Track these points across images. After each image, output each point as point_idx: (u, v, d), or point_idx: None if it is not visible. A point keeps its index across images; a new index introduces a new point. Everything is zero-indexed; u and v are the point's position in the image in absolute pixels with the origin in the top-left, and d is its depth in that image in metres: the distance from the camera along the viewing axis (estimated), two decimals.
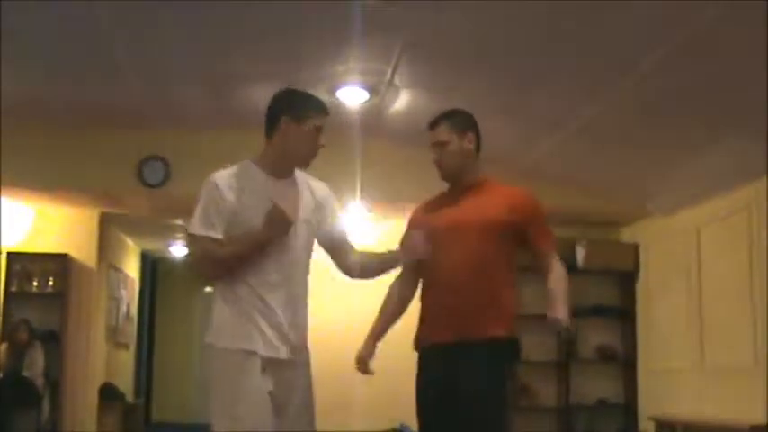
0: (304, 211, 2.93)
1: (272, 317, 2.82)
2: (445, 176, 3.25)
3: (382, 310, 3.30)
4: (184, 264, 11.48)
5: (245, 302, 2.81)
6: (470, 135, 3.21)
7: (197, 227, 2.84)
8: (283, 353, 2.83)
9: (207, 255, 2.85)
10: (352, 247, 3.14)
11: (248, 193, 2.85)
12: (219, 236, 2.82)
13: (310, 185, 3.02)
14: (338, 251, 3.11)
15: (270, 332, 2.81)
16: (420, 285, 3.26)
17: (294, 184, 2.97)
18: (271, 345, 2.80)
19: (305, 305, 2.97)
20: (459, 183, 3.24)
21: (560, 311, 3.00)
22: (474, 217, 3.12)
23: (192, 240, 2.91)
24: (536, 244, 3.17)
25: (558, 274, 3.14)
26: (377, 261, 3.15)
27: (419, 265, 3.18)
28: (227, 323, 2.83)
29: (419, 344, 3.19)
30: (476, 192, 3.20)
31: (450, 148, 3.18)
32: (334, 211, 3.08)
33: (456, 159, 3.19)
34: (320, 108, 2.94)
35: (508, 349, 3.09)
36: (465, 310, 3.06)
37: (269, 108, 2.94)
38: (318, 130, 2.90)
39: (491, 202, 3.15)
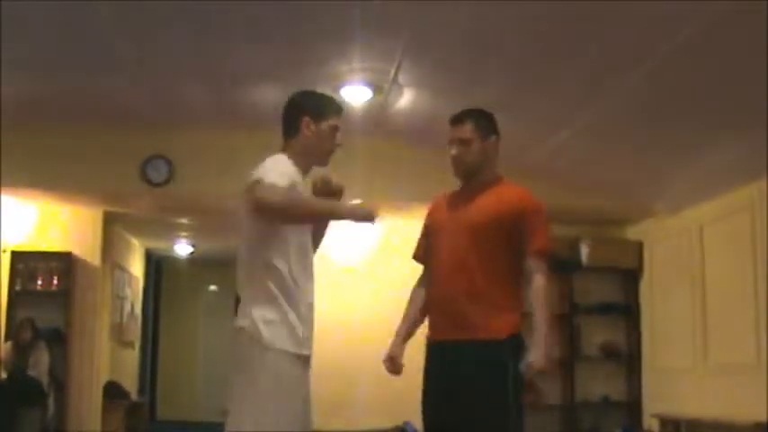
0: None
1: (309, 313, 2.79)
2: (461, 174, 3.14)
3: (406, 314, 3.23)
4: (188, 262, 11.50)
5: (293, 295, 2.73)
6: (494, 138, 3.11)
7: (275, 178, 2.64)
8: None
9: (286, 197, 2.63)
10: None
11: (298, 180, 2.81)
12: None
13: None
14: None
15: (308, 329, 2.77)
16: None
17: None
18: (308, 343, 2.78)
19: None
20: (472, 182, 3.13)
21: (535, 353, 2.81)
22: (475, 218, 3.03)
23: (268, 187, 2.61)
24: (521, 242, 3.00)
25: (535, 293, 2.92)
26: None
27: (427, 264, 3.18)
28: (279, 319, 2.70)
29: (428, 341, 3.13)
30: (486, 192, 3.09)
31: (473, 147, 3.07)
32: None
33: (476, 160, 3.09)
34: (337, 107, 2.97)
35: (504, 348, 2.94)
36: (453, 309, 3.01)
37: (287, 109, 2.94)
38: (335, 128, 2.92)
39: (492, 203, 3.05)
